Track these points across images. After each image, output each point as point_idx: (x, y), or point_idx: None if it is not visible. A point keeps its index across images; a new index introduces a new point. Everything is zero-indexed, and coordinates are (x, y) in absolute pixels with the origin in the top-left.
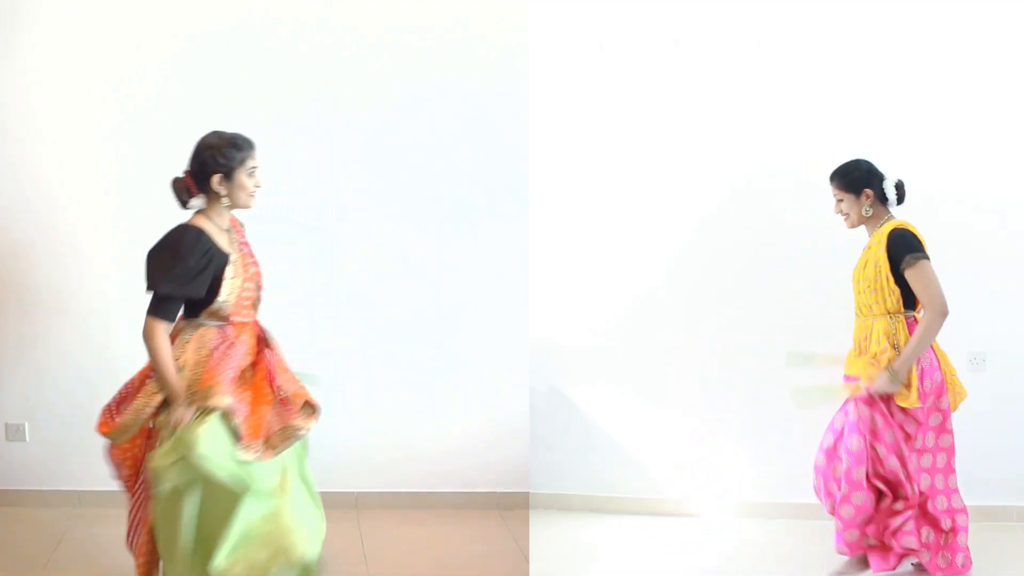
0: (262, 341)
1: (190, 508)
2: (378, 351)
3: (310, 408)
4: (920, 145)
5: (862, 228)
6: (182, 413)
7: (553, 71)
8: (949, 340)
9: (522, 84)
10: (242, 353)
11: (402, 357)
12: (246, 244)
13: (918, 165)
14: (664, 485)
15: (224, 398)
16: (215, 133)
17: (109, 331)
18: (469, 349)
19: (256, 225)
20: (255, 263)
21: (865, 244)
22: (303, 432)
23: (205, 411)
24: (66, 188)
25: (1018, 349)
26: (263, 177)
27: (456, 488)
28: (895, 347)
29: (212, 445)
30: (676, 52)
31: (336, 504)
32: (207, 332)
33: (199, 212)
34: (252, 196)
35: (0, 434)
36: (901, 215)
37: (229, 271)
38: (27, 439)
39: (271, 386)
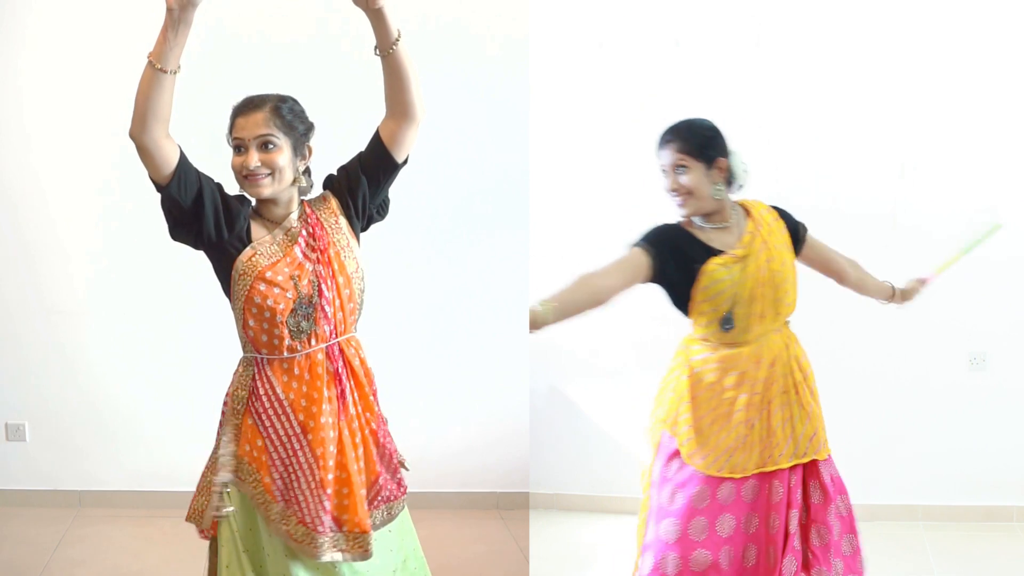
0: (340, 374)
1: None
2: (378, 351)
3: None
4: (920, 144)
5: None
6: None
7: (553, 71)
8: (949, 340)
9: (523, 84)
10: (293, 401)
11: (402, 357)
12: (316, 243)
13: (919, 164)
14: None
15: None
16: None
17: (110, 331)
18: (469, 349)
19: None
20: (321, 266)
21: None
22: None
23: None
24: (64, 187)
25: (1018, 349)
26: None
27: (456, 488)
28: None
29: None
30: (677, 52)
31: None
32: (247, 366)
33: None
34: (247, 180)
35: (0, 434)
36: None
37: (239, 265)
38: (27, 439)
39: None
